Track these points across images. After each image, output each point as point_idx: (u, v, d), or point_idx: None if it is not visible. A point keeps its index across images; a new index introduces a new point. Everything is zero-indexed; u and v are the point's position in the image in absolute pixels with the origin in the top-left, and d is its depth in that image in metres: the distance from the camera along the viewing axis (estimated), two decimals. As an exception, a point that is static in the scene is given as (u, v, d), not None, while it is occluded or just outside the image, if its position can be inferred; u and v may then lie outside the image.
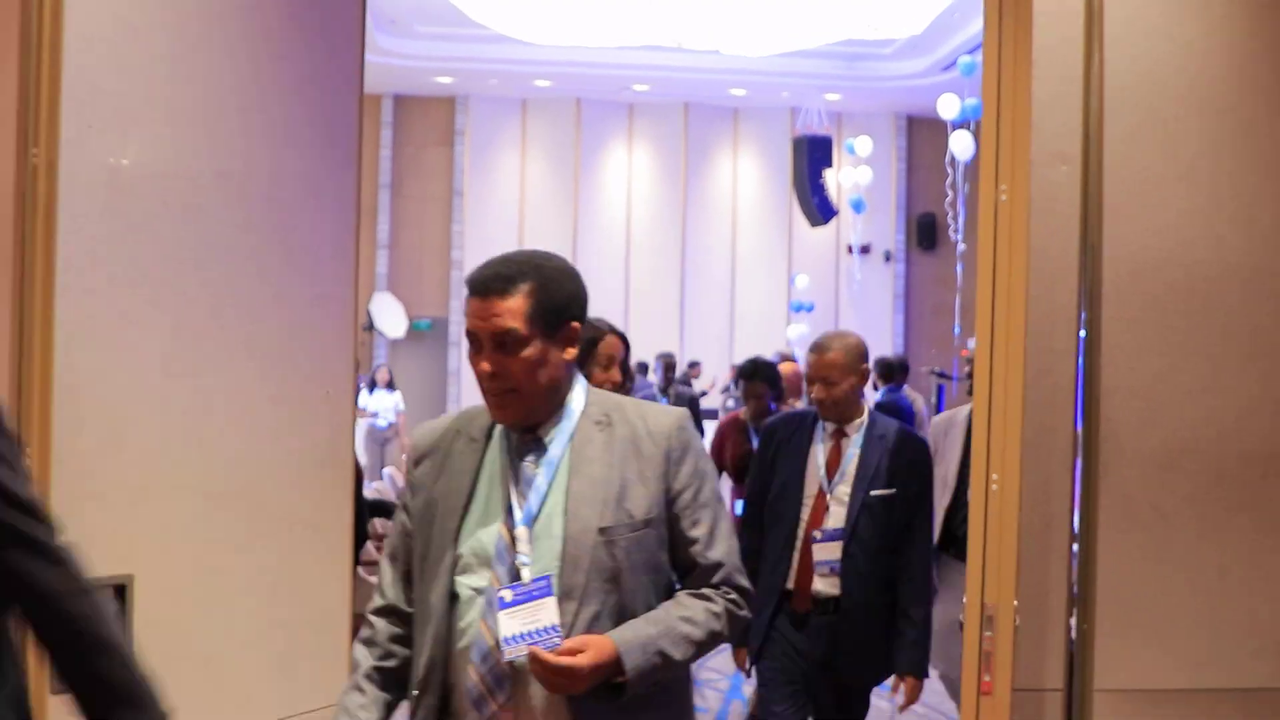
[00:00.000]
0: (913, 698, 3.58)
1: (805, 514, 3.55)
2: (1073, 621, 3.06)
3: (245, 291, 2.79)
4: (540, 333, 1.96)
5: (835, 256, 17.05)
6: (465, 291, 1.98)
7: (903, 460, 3.56)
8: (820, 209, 14.87)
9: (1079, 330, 3.01)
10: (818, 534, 3.51)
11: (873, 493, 3.52)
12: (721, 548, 2.05)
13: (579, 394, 2.06)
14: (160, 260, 2.64)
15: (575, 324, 2.02)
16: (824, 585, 3.52)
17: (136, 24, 2.58)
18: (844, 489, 3.55)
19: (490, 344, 1.95)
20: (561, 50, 14.02)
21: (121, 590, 2.55)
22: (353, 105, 3.05)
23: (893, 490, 3.53)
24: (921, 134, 16.93)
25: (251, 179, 2.82)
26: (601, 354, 3.42)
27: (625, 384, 3.51)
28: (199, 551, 2.73)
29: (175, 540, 2.69)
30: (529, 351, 1.95)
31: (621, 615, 1.95)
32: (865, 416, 3.64)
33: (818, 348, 3.65)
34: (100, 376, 2.53)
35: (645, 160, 17.01)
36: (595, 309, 2.85)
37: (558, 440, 2.01)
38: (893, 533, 3.53)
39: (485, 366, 1.95)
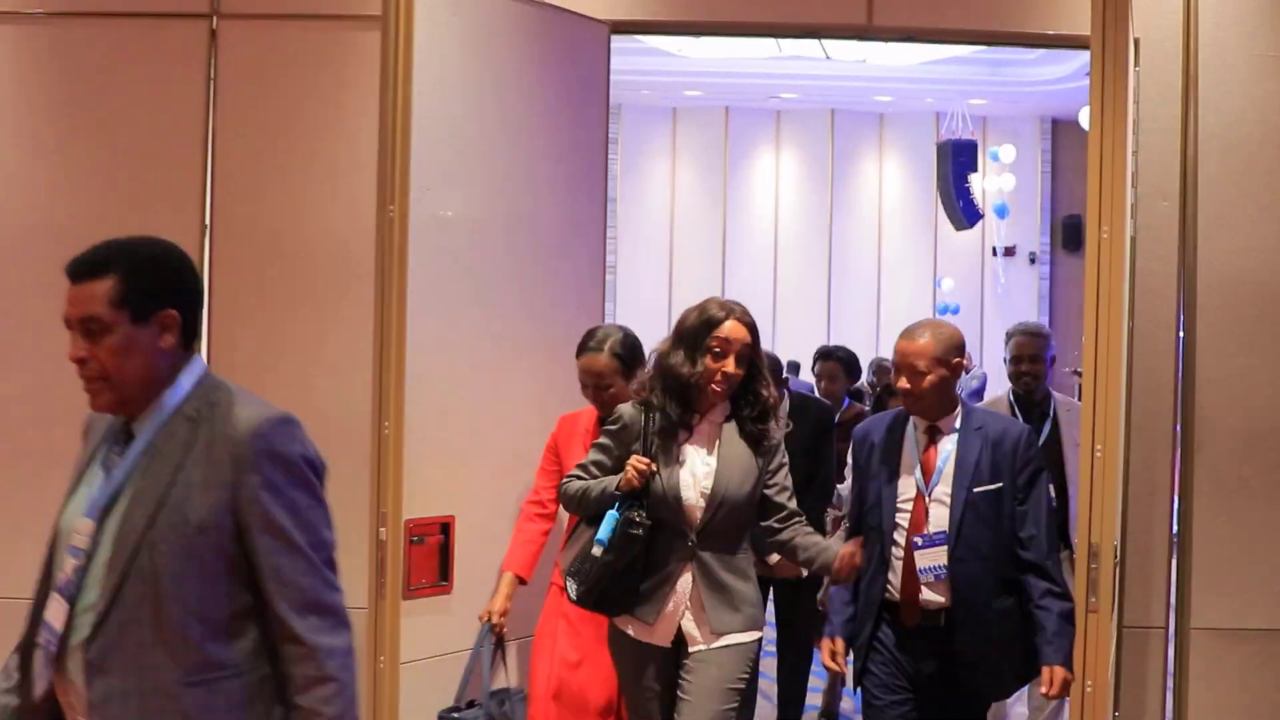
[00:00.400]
0: (1061, 690, 3.08)
1: (904, 520, 3.19)
2: (1173, 571, 3.76)
3: (531, 307, 3.75)
4: (128, 319, 1.86)
5: (980, 259, 16.79)
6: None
7: (1005, 450, 3.17)
8: (965, 213, 14.86)
9: (1178, 334, 3.73)
10: (918, 540, 3.15)
11: (975, 490, 3.15)
12: (292, 590, 1.82)
13: (183, 386, 1.91)
14: (474, 286, 3.58)
15: (172, 311, 1.89)
16: (931, 594, 3.15)
17: (455, 114, 3.52)
18: (943, 490, 3.18)
19: (79, 330, 1.87)
20: (711, 61, 14.28)
21: (446, 527, 3.48)
22: (600, 165, 3.97)
23: (999, 484, 3.16)
24: (1066, 137, 16.80)
25: (534, 225, 3.75)
26: (716, 338, 2.98)
27: (762, 383, 3.07)
28: (503, 497, 3.69)
29: (485, 489, 3.64)
30: (114, 338, 1.85)
31: (166, 626, 1.80)
32: (959, 411, 3.26)
33: (907, 333, 3.24)
34: (434, 369, 3.43)
35: (792, 166, 16.91)
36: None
37: (144, 434, 1.89)
38: (1006, 529, 3.17)
39: (73, 353, 1.88)
